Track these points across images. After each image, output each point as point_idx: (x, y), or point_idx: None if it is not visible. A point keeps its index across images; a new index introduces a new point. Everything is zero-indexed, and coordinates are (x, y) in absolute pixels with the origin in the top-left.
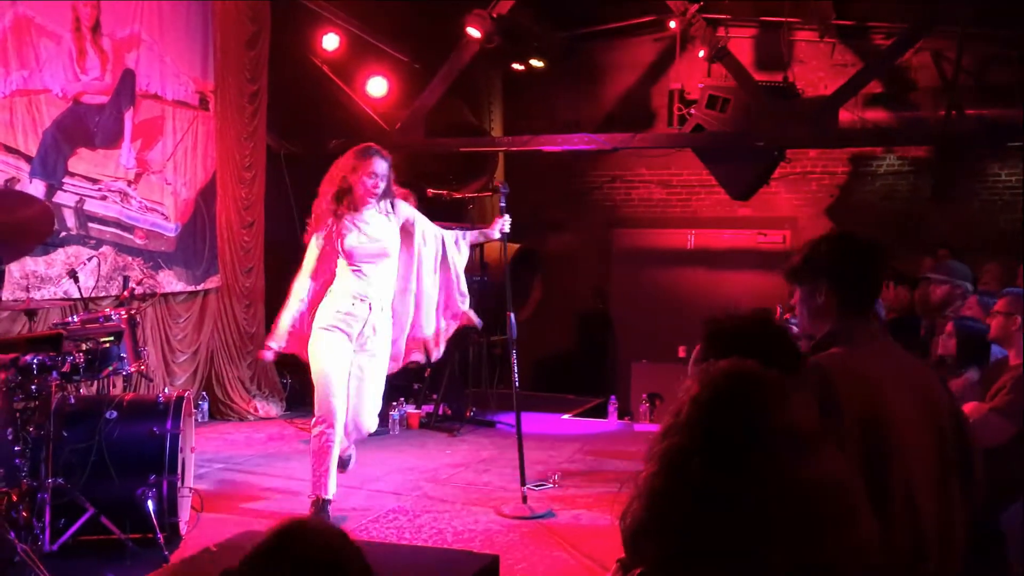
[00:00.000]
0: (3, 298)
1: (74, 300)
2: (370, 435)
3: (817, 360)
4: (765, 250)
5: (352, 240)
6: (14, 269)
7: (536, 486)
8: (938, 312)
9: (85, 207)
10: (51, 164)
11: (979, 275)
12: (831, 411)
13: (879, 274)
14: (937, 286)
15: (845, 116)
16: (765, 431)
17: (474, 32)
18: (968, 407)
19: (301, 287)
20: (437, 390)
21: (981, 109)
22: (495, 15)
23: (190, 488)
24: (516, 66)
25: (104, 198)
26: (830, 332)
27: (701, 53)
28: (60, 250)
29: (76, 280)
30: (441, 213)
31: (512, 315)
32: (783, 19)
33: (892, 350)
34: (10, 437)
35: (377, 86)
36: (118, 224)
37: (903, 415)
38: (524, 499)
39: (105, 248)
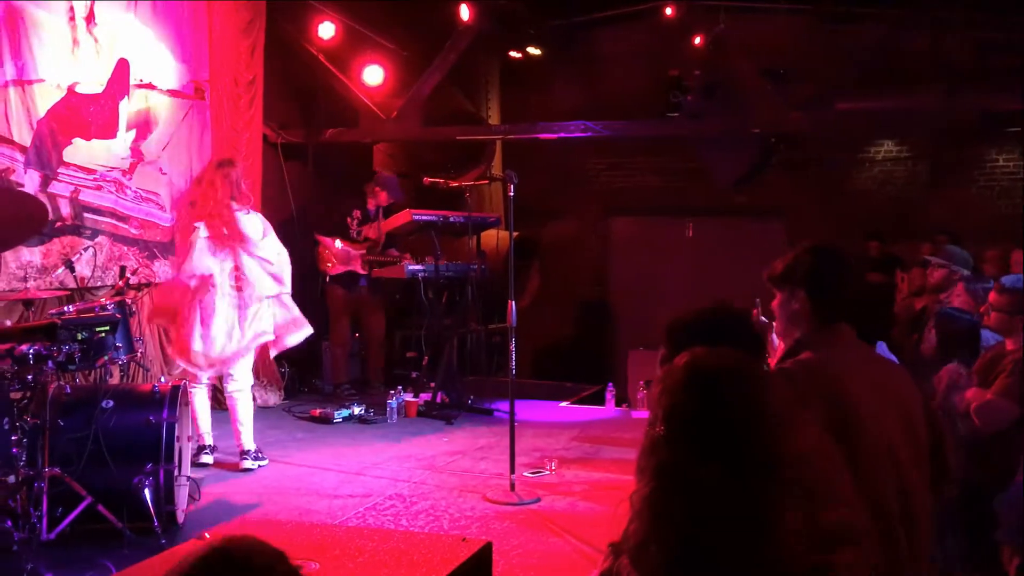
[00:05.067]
0: (0, 288)
1: (70, 290)
2: (368, 423)
3: (782, 367)
4: (762, 239)
5: None
6: (10, 260)
7: (533, 473)
8: (933, 296)
9: (80, 197)
10: (46, 154)
11: (980, 261)
12: None
13: (854, 287)
14: (935, 269)
15: (842, 103)
16: (737, 411)
17: (464, 13)
18: (969, 393)
19: None
20: (435, 378)
21: (979, 95)
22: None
23: (187, 476)
24: (513, 54)
25: (99, 188)
26: (801, 338)
27: (698, 40)
28: (56, 240)
29: (72, 270)
30: (438, 202)
31: (512, 303)
32: (779, 5)
33: (863, 354)
34: (7, 427)
35: (373, 74)
36: (113, 214)
37: (870, 417)
38: (512, 486)
39: (101, 238)
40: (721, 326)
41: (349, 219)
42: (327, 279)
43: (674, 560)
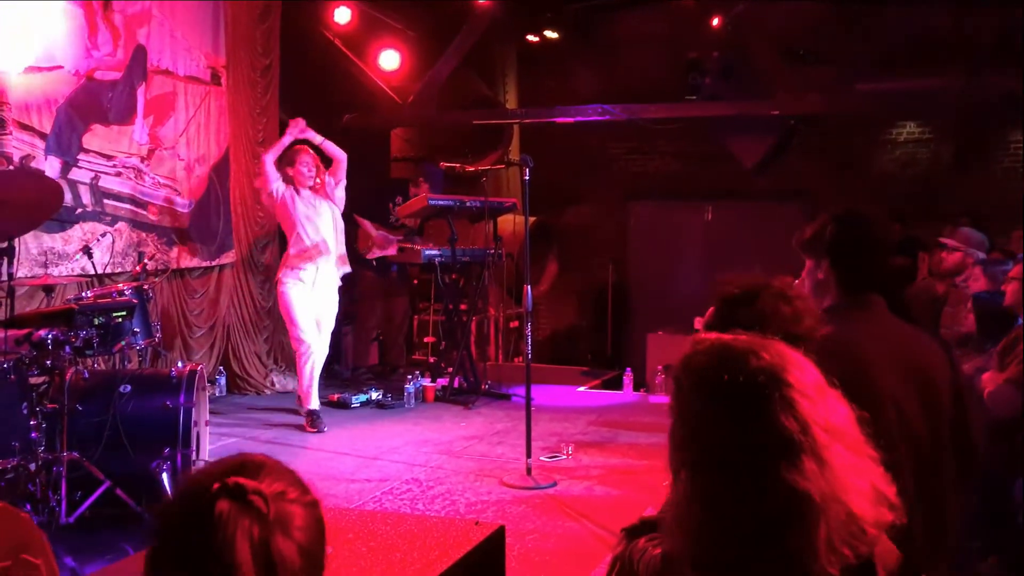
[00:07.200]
0: (21, 274)
1: (89, 276)
2: (386, 408)
3: None
4: (782, 222)
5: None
6: (32, 246)
7: (549, 458)
8: (948, 280)
9: (100, 183)
10: (66, 141)
11: (1007, 242)
12: None
13: (880, 256)
14: (949, 253)
15: (863, 84)
16: (756, 390)
17: None
18: (986, 376)
19: None
20: (452, 363)
21: (1002, 75)
22: None
23: (204, 461)
24: (531, 38)
25: (119, 174)
26: (827, 310)
27: (716, 21)
28: (77, 226)
29: (90, 256)
30: (455, 186)
31: (528, 288)
32: None
33: (890, 327)
34: (26, 412)
35: (389, 59)
36: (132, 200)
37: (892, 394)
38: (529, 470)
39: (120, 224)
40: (760, 305)
41: (391, 204)
42: (359, 262)
43: (734, 558)
